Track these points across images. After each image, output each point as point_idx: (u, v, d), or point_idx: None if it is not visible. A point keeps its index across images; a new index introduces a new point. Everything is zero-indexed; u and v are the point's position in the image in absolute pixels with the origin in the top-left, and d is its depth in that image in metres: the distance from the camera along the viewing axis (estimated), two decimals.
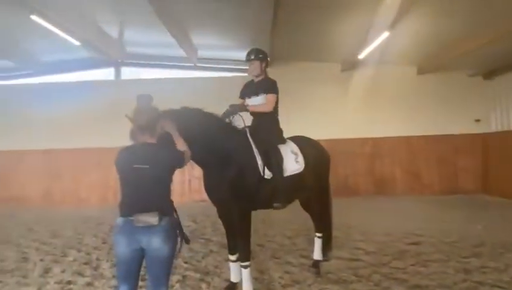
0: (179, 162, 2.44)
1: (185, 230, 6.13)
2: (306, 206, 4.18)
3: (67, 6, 6.78)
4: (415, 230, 5.69)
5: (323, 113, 9.37)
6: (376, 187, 9.25)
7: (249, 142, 3.33)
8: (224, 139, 3.19)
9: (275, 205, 3.33)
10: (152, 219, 2.19)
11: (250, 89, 3.80)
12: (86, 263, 4.51)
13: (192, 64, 9.46)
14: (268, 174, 3.27)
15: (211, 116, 3.26)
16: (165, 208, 2.30)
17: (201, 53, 9.50)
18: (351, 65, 9.22)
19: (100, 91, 9.38)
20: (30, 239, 5.95)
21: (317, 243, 4.08)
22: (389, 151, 9.29)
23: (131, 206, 2.23)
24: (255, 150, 3.29)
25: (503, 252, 4.48)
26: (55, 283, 3.87)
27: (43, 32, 7.24)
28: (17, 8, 6.40)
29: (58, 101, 9.31)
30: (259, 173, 3.24)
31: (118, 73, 9.91)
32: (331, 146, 9.06)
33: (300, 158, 3.59)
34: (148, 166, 2.22)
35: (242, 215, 3.16)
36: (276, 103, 3.71)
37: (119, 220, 2.24)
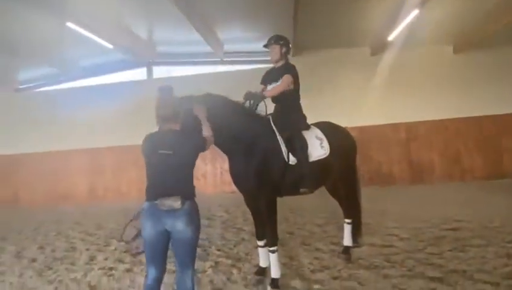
0: (201, 147, 2.53)
1: (218, 220, 6.34)
2: (333, 192, 4.15)
3: (99, 12, 7.16)
4: (454, 216, 5.44)
5: (354, 99, 9.13)
6: (412, 174, 8.89)
7: (273, 129, 3.35)
8: (248, 126, 3.25)
9: (302, 190, 3.34)
10: (175, 203, 2.31)
11: (270, 76, 3.83)
12: (125, 251, 4.80)
13: (219, 59, 9.61)
14: (293, 160, 3.29)
15: (235, 103, 3.33)
16: (188, 193, 2.41)
17: (227, 47, 9.61)
18: (381, 48, 8.87)
19: (134, 91, 9.81)
20: (77, 231, 6.44)
21: (347, 229, 4.04)
22: (424, 137, 8.87)
23: (156, 190, 2.35)
24: (279, 137, 3.31)
25: None
26: (99, 269, 4.18)
27: (79, 38, 7.70)
28: (53, 17, 6.84)
29: (98, 102, 9.89)
30: (284, 159, 3.26)
31: (149, 72, 10.31)
32: (363, 133, 8.95)
33: (325, 143, 3.56)
34: (172, 152, 2.33)
35: (268, 202, 3.21)
36: (297, 88, 3.69)
37: (145, 204, 2.38)
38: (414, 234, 4.66)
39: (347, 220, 4.05)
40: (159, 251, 2.42)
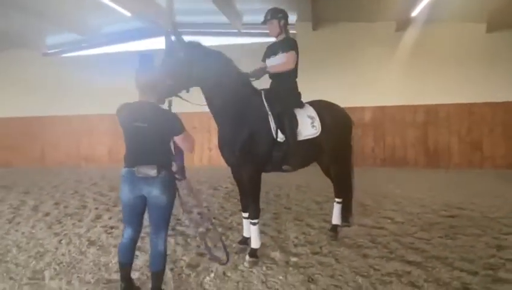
0: (174, 131, 2.54)
1: (222, 191, 6.49)
2: (326, 171, 4.16)
3: None
4: (458, 203, 5.30)
5: (374, 77, 8.80)
6: (428, 158, 8.60)
7: (264, 105, 3.36)
8: (239, 98, 3.25)
9: (284, 167, 3.38)
10: (151, 171, 2.43)
11: (270, 50, 3.77)
12: None
13: (237, 30, 9.49)
14: (281, 138, 3.30)
15: (231, 67, 3.29)
16: (164, 162, 2.51)
17: (246, 19, 9.44)
18: (407, 24, 8.38)
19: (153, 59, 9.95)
20: (92, 191, 6.89)
21: (336, 208, 4.07)
22: (445, 120, 8.47)
23: (133, 158, 2.48)
24: (269, 113, 3.32)
25: None
26: (101, 226, 4.52)
27: (101, 6, 7.84)
28: None
29: (118, 69, 10.15)
30: (272, 136, 3.29)
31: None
32: (379, 113, 8.69)
33: (317, 122, 3.53)
34: (146, 125, 2.41)
35: (251, 176, 3.28)
36: (296, 64, 3.63)
37: (123, 170, 2.51)
38: (409, 219, 4.62)
39: (337, 199, 4.07)
40: (135, 214, 2.60)
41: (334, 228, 4.06)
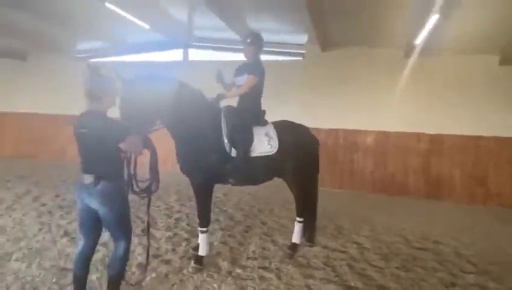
0: (116, 138, 2.51)
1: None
2: (290, 188, 4.25)
3: None
4: (438, 237, 5.16)
5: (378, 102, 8.77)
6: (428, 189, 8.34)
7: (220, 121, 3.59)
8: (195, 116, 3.43)
9: (230, 180, 3.56)
10: (86, 180, 2.47)
11: (240, 69, 4.02)
12: None
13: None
14: (233, 153, 3.51)
15: (186, 89, 3.40)
16: (104, 172, 2.50)
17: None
18: (416, 51, 8.32)
19: (170, 70, 10.53)
20: None
21: (297, 227, 4.18)
22: (449, 151, 8.22)
23: (80, 165, 2.59)
24: (224, 128, 3.54)
25: None
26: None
27: (123, 18, 8.51)
28: None
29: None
30: (225, 150, 3.50)
31: (185, 54, 10.96)
32: (381, 138, 8.61)
33: (274, 142, 3.71)
34: (85, 130, 2.50)
35: (198, 187, 3.50)
36: (260, 87, 3.86)
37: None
38: (377, 246, 4.59)
39: (298, 219, 4.17)
40: (85, 222, 2.62)
41: (293, 246, 4.15)
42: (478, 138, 8.06)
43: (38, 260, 3.47)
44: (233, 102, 3.96)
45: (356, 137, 8.79)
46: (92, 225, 2.62)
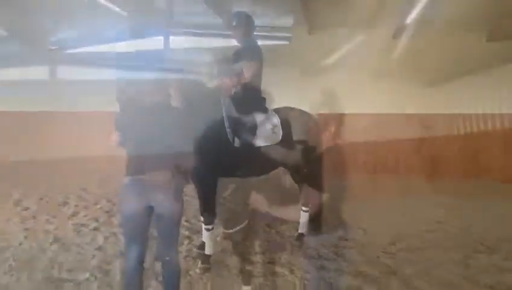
0: None
1: None
2: (294, 178, 4.09)
3: None
4: (439, 217, 5.12)
5: (368, 84, 8.65)
6: (422, 168, 8.39)
7: (221, 110, 3.33)
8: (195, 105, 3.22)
9: (238, 173, 3.34)
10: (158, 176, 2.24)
11: (236, 54, 3.73)
12: (107, 212, 5.14)
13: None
14: (237, 142, 3.27)
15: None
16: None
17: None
18: (403, 31, 8.20)
19: (150, 59, 10.03)
20: (80, 188, 6.90)
21: (303, 217, 4.01)
22: (440, 130, 8.26)
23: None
24: (225, 117, 3.29)
25: None
26: (72, 224, 4.54)
27: (99, 4, 7.96)
28: None
29: (117, 68, 10.27)
30: (228, 140, 3.25)
31: (166, 42, 10.47)
32: (371, 121, 8.54)
33: (278, 129, 3.49)
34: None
35: (201, 179, 3.26)
36: (260, 72, 3.61)
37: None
38: (383, 232, 4.46)
39: (304, 208, 4.01)
40: (137, 227, 2.31)
41: (300, 236, 4.00)
42: (466, 115, 8.14)
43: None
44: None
45: (347, 121, 8.67)
46: (147, 228, 2.30)
